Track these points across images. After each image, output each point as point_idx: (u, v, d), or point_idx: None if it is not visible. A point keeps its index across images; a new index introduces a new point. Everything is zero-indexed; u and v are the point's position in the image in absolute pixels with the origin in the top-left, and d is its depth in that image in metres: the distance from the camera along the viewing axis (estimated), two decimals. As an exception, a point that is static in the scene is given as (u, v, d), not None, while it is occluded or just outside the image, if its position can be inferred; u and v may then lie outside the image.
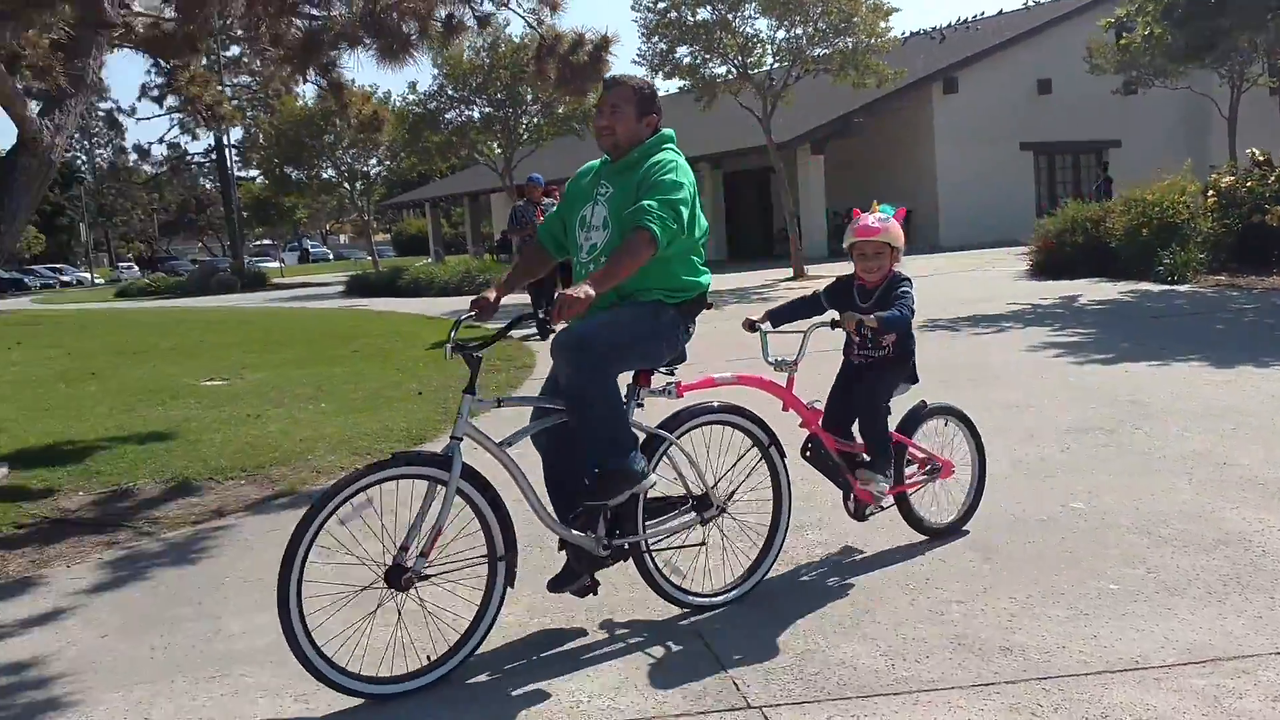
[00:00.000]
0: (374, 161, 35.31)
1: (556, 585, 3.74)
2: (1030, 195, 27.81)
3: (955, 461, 4.57)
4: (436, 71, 26.74)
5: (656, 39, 19.93)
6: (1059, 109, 27.60)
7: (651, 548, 3.83)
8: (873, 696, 3.12)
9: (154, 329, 17.42)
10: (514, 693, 3.32)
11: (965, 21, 33.14)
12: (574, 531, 3.65)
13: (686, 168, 3.76)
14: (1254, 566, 3.88)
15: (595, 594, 3.77)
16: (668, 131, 3.87)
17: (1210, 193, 14.27)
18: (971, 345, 9.85)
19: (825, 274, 19.24)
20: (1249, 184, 13.93)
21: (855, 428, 4.25)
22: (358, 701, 3.28)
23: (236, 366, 11.42)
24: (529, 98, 26.04)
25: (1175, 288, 12.79)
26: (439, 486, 3.41)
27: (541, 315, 3.58)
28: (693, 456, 3.89)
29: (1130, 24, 18.26)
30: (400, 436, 7.16)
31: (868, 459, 4.18)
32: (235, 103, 35.03)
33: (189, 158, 58.85)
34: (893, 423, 4.26)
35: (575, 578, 3.72)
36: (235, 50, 24.68)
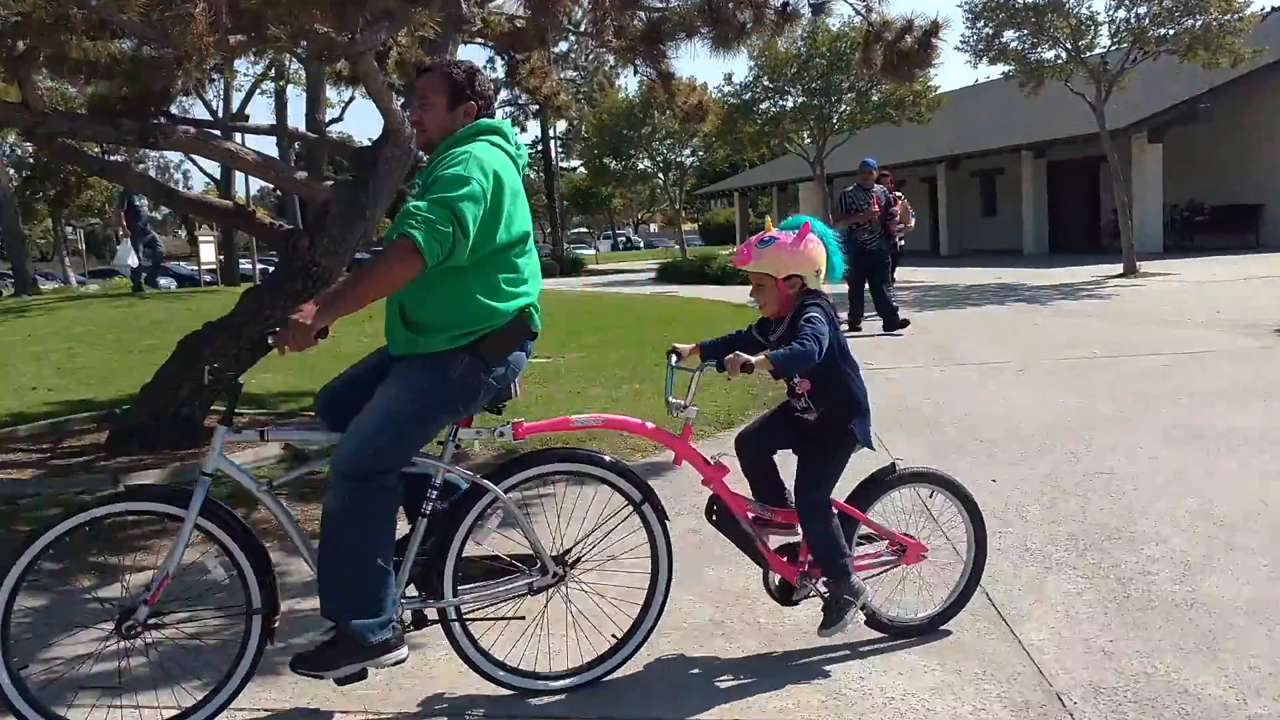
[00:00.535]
0: (688, 152, 36.22)
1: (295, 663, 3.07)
2: None
3: (941, 544, 3.96)
4: (753, 63, 27.00)
5: (982, 23, 19.12)
6: None
7: (464, 617, 3.27)
8: (1221, 730, 2.87)
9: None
10: (823, 682, 3.33)
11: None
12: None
13: (495, 159, 3.08)
14: None
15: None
16: (487, 121, 3.23)
17: None
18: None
19: (1161, 271, 17.80)
20: None
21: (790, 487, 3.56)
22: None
23: (558, 346, 12.07)
24: (844, 86, 25.75)
25: None
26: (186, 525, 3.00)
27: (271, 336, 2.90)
28: (518, 515, 3.26)
29: None
30: (709, 420, 7.31)
31: (817, 567, 3.48)
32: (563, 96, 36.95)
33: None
34: (846, 489, 3.57)
35: (324, 665, 3.05)
36: (564, 46, 25.90)
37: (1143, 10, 18.14)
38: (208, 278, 24.80)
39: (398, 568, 3.11)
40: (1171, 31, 17.95)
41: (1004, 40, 19.27)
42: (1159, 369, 8.66)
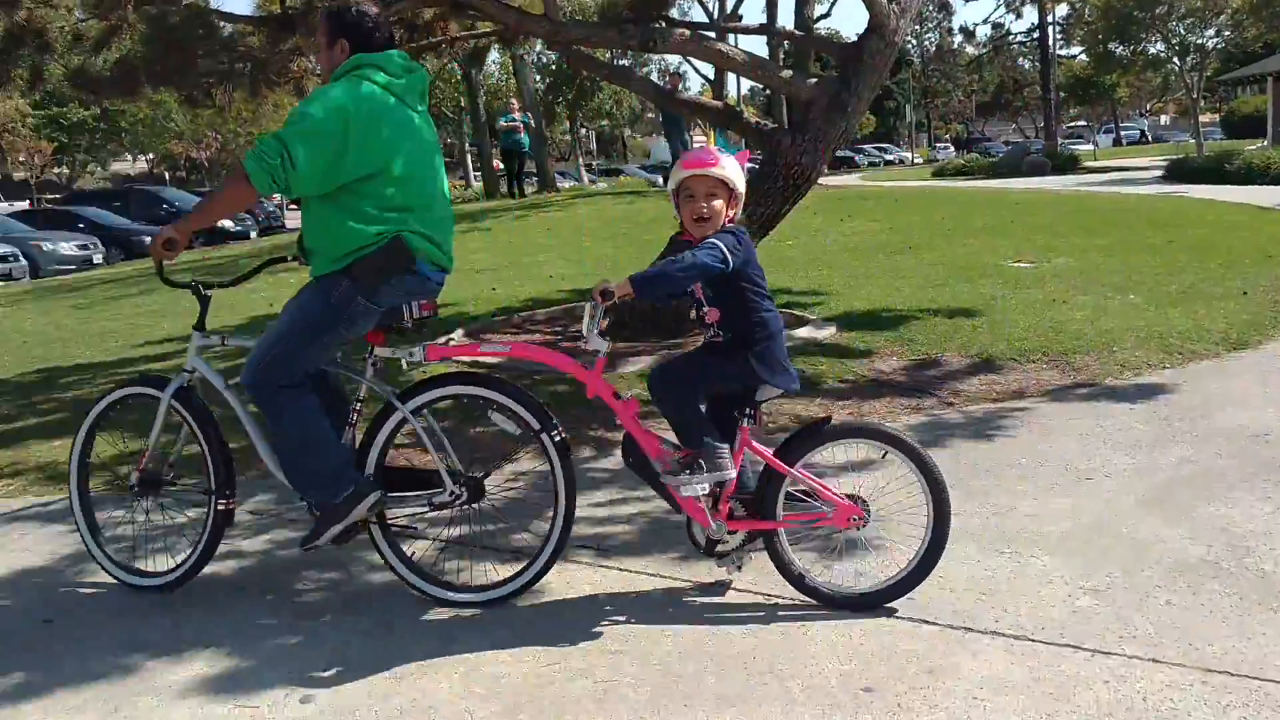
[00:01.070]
0: (1211, 32, 31.91)
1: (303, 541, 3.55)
2: None
3: (900, 510, 3.30)
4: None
5: None
6: None
7: (389, 523, 3.55)
8: None
9: (966, 208, 18.03)
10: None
11: None
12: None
13: (351, 96, 3.24)
14: None
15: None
16: (361, 55, 3.35)
17: None
18: None
19: None
20: None
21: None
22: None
23: (1043, 249, 11.37)
24: None
25: None
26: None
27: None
28: (432, 431, 3.46)
29: None
30: (1218, 339, 6.56)
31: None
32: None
33: (1011, 37, 59.11)
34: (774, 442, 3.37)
35: (316, 536, 3.47)
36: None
37: None
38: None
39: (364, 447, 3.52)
40: None
41: None
42: None
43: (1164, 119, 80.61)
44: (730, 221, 3.27)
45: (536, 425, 3.44)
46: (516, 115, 21.68)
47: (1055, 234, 12.66)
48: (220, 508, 3.62)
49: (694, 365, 3.40)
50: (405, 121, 3.42)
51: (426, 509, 3.57)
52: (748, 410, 3.31)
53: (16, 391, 7.56)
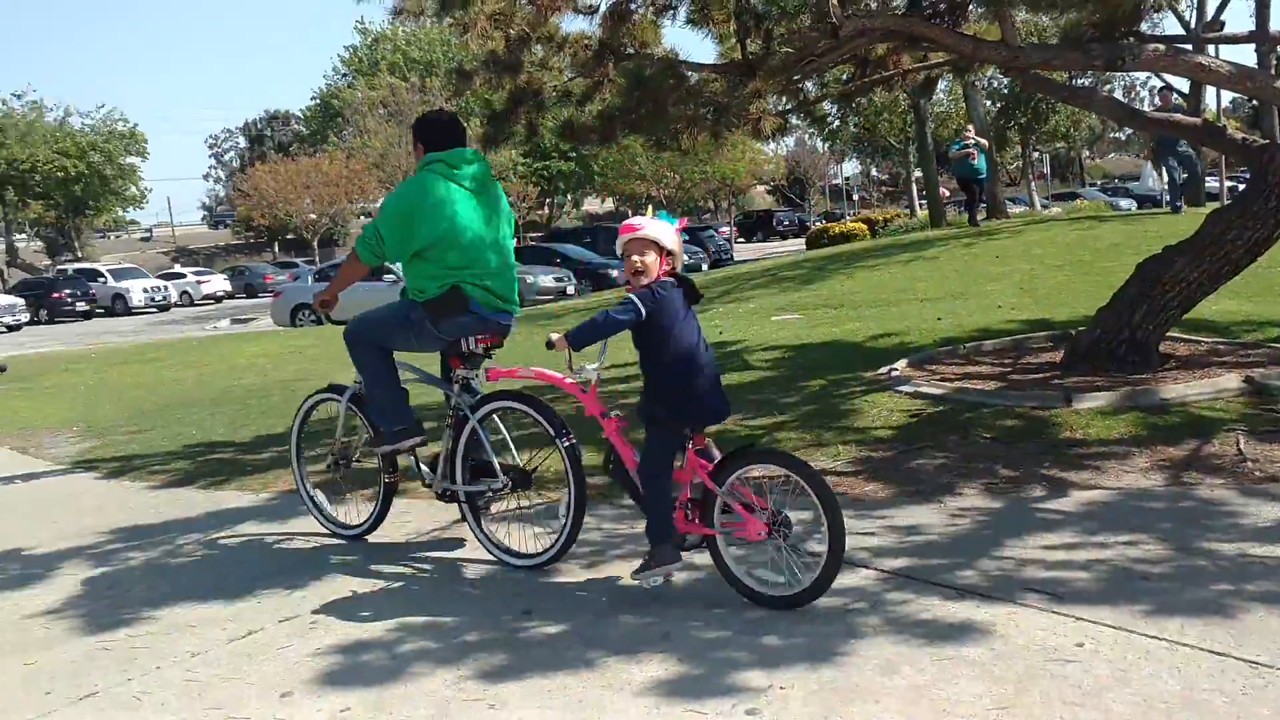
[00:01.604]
0: None
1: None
2: None
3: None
4: None
5: None
6: None
7: (468, 499, 4.66)
8: None
9: None
10: None
11: None
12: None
13: (418, 189, 4.53)
14: None
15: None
16: (430, 155, 4.60)
17: None
18: None
19: None
20: None
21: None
22: None
23: None
24: None
25: None
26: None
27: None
28: (483, 436, 4.59)
29: None
30: None
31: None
32: None
33: None
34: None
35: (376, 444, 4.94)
36: None
37: None
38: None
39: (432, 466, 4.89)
40: None
41: None
42: None
43: None
44: (666, 274, 3.84)
45: (552, 433, 4.33)
46: (969, 141, 21.11)
47: None
48: (386, 480, 5.03)
49: (651, 449, 3.92)
50: (462, 201, 4.56)
51: (489, 493, 4.61)
52: (687, 433, 3.91)
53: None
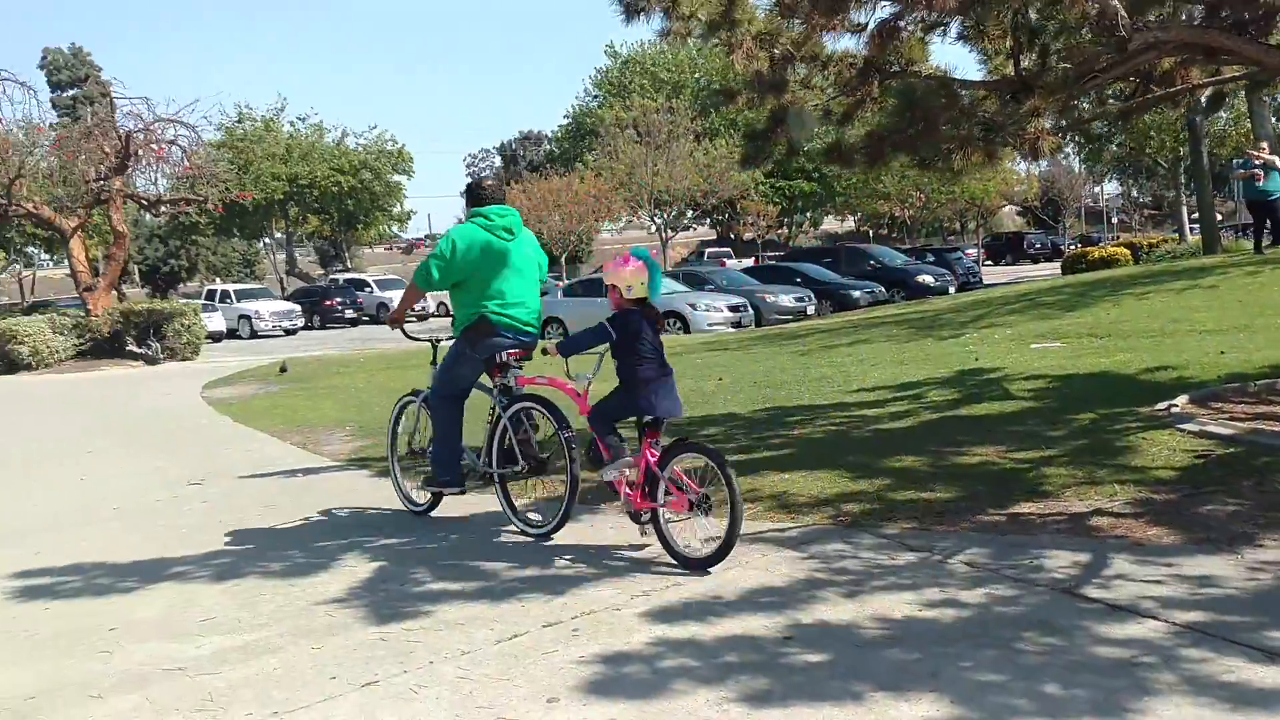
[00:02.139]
0: None
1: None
2: None
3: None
4: None
5: None
6: None
7: (501, 479, 5.90)
8: None
9: None
10: None
11: None
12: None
13: (464, 235, 5.87)
14: None
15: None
16: (474, 209, 5.98)
17: None
18: None
19: None
20: None
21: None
22: None
23: None
24: None
25: None
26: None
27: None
28: (511, 430, 5.80)
29: None
30: None
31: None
32: None
33: None
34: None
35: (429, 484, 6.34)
36: None
37: None
38: None
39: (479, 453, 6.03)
40: None
41: None
42: None
43: None
44: (630, 303, 5.11)
45: (555, 426, 5.54)
46: (1259, 160, 19.31)
47: None
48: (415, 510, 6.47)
49: (610, 401, 5.19)
50: (493, 245, 5.82)
51: (512, 475, 5.82)
52: (645, 426, 5.07)
53: (750, 426, 8.55)
